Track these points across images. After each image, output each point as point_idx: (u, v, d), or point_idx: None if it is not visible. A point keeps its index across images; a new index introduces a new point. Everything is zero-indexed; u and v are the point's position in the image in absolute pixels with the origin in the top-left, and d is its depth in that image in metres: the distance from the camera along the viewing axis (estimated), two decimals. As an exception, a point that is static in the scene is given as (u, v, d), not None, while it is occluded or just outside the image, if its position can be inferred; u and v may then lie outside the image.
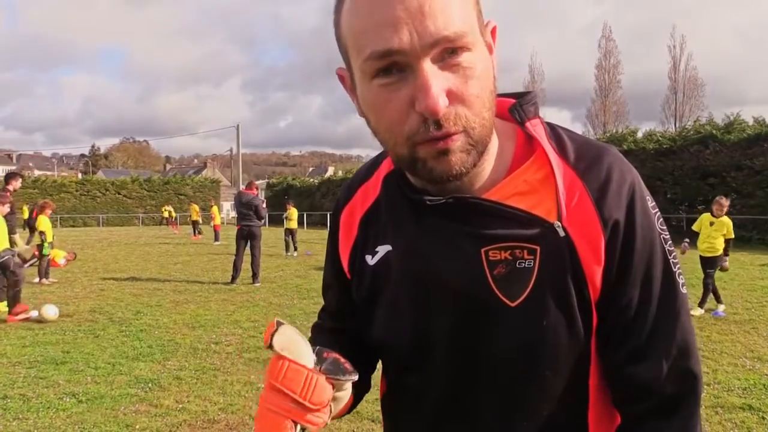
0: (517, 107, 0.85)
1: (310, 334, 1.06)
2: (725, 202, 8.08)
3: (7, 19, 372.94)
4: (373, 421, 4.11)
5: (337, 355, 0.83)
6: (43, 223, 11.53)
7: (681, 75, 46.87)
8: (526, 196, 0.81)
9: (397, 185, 0.90)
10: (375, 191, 0.95)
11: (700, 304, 7.93)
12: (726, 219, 7.94)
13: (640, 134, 26.32)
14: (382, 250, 0.91)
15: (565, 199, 0.80)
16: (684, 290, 0.84)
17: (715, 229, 7.96)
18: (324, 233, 31.97)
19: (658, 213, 0.85)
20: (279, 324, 0.79)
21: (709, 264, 8.05)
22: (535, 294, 0.79)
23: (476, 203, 0.81)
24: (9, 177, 9.20)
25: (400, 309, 0.89)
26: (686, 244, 8.33)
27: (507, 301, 0.80)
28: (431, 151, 0.73)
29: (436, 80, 0.69)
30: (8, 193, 8.83)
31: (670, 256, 0.83)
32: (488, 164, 0.83)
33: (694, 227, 8.31)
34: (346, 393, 0.86)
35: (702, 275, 8.11)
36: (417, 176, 0.81)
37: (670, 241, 0.84)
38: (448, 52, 0.70)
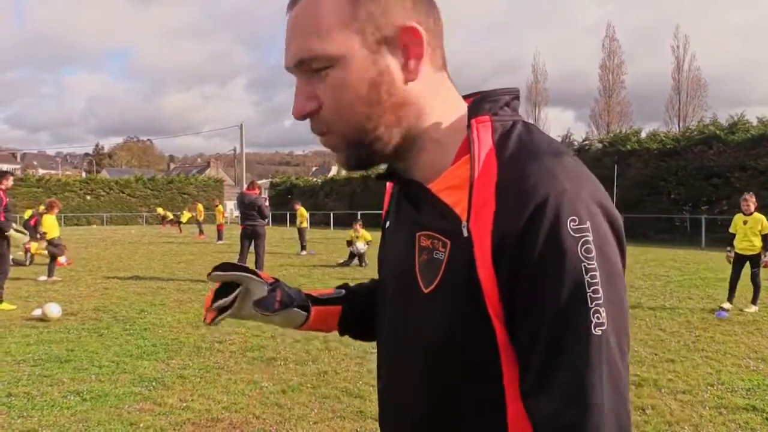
0: (473, 104, 0.88)
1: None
2: (750, 197, 8.37)
3: (13, 19, 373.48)
4: (376, 420, 4.11)
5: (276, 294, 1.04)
6: (47, 222, 11.57)
7: (684, 75, 46.83)
8: (455, 190, 0.83)
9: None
10: None
11: (753, 302, 8.25)
12: (758, 215, 8.18)
13: (643, 134, 26.35)
14: (387, 224, 1.05)
15: (477, 200, 0.79)
16: (597, 331, 0.70)
17: (750, 228, 8.22)
18: (328, 232, 32.01)
19: (586, 239, 0.71)
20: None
21: (752, 262, 8.31)
22: (442, 285, 0.82)
23: (422, 190, 0.87)
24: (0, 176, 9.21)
25: (380, 277, 1.05)
26: (729, 251, 8.57)
27: (423, 287, 0.85)
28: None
29: (302, 88, 0.85)
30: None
31: (588, 288, 0.70)
32: (434, 155, 0.87)
33: (731, 229, 8.59)
34: (294, 316, 1.07)
35: (729, 275, 8.38)
36: None
37: (593, 273, 0.71)
38: (313, 69, 0.83)
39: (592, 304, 0.70)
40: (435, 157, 0.87)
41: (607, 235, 0.74)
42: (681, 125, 41.62)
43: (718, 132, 22.34)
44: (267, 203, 11.95)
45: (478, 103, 0.87)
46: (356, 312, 1.15)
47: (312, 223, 39.03)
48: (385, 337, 0.99)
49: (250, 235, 11.29)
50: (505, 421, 0.79)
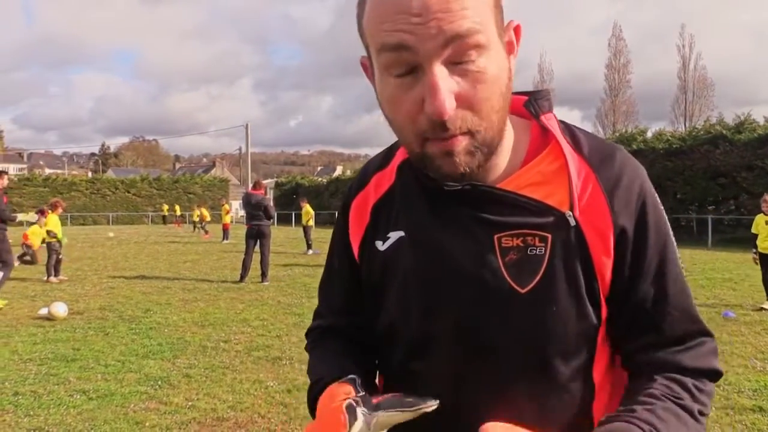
0: (531, 102, 0.88)
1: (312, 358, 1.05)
2: None
3: (22, 20, 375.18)
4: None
5: (386, 397, 0.83)
6: (51, 221, 11.61)
7: (690, 75, 46.72)
8: (540, 186, 0.83)
9: (411, 173, 0.92)
10: (390, 179, 0.97)
11: None
12: None
13: (649, 134, 26.26)
14: (394, 236, 0.92)
15: (578, 191, 0.82)
16: (688, 284, 0.88)
17: None
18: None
19: (663, 208, 0.88)
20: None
21: None
22: (545, 281, 0.80)
23: (491, 192, 0.83)
24: None
25: (411, 294, 0.90)
26: (755, 252, 8.50)
27: (517, 288, 0.81)
28: (438, 150, 0.76)
29: (444, 83, 0.71)
30: None
31: (675, 248, 0.87)
32: (503, 157, 0.85)
33: (753, 230, 8.56)
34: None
35: (761, 276, 8.36)
36: (427, 172, 0.83)
37: (671, 233, 0.88)
38: (459, 53, 0.71)
39: (682, 264, 0.88)
40: (505, 157, 0.86)
41: None
42: (687, 125, 41.46)
43: (724, 132, 22.22)
44: (272, 203, 12.03)
45: (537, 101, 0.89)
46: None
47: (317, 223, 38.96)
48: (451, 351, 0.87)
49: (256, 235, 11.33)
50: (593, 386, 0.86)
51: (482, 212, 0.84)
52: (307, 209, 19.52)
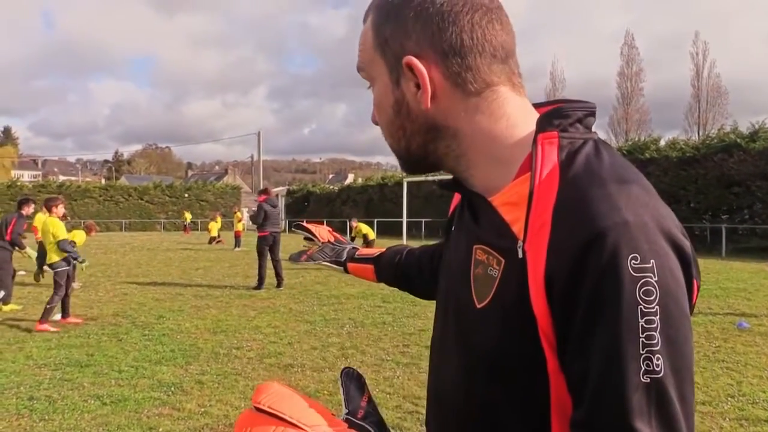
0: (542, 117, 0.84)
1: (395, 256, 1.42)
2: None
3: (42, 29, 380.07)
4: (392, 428, 4.11)
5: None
6: (77, 235, 11.73)
7: (704, 83, 46.48)
8: (514, 207, 0.80)
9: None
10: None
11: None
12: None
13: (662, 142, 26.08)
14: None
15: (535, 221, 0.76)
16: (646, 379, 0.66)
17: None
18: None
19: (647, 279, 0.67)
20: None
21: None
22: (494, 302, 0.80)
23: (482, 202, 0.86)
24: None
25: (439, 293, 1.02)
26: None
27: (476, 301, 0.83)
28: None
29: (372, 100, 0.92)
30: None
31: (642, 334, 0.66)
32: (496, 171, 0.85)
33: None
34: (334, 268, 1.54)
35: None
36: None
37: (651, 317, 0.67)
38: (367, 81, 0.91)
39: (644, 350, 0.66)
40: (494, 172, 0.85)
41: (673, 271, 0.69)
42: (701, 133, 41.21)
43: (738, 140, 22.05)
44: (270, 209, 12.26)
45: (548, 118, 0.82)
46: (387, 271, 1.42)
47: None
48: (437, 338, 0.98)
49: (273, 242, 11.59)
50: None
51: (474, 220, 0.89)
52: (360, 227, 17.49)
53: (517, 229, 0.78)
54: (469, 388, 0.84)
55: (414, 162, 0.94)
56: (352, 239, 16.18)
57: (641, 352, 0.66)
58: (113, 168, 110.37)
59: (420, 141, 0.89)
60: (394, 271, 1.40)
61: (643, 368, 0.66)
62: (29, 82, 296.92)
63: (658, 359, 0.66)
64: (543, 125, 0.82)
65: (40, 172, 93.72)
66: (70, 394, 4.89)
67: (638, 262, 0.67)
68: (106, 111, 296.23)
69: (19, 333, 7.34)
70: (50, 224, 7.93)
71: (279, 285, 11.51)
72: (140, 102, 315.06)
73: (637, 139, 31.11)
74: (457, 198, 1.06)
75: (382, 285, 1.49)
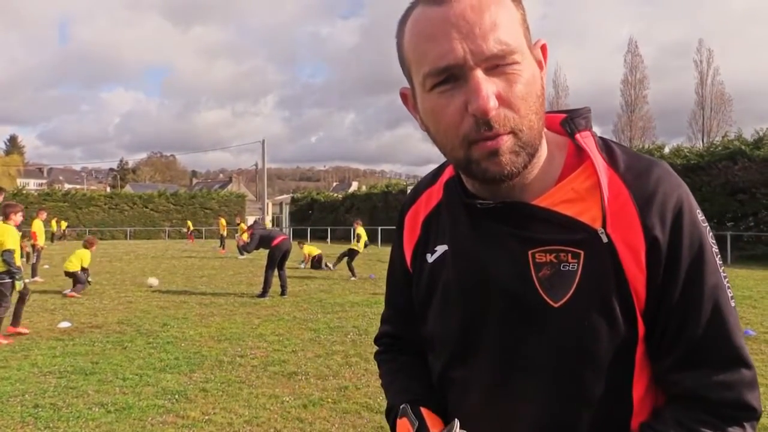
0: (568, 120, 0.91)
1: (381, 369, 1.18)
2: None
3: (56, 39, 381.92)
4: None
5: None
6: (83, 256, 11.85)
7: (708, 90, 46.42)
8: (574, 203, 0.85)
9: (456, 189, 0.97)
10: (438, 195, 1.03)
11: None
12: None
13: (667, 150, 26.07)
14: (440, 249, 0.98)
15: (611, 207, 0.83)
16: (733, 303, 0.85)
17: None
18: (347, 248, 31.97)
19: (708, 227, 0.87)
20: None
21: None
22: (577, 296, 0.83)
23: (526, 208, 0.86)
24: None
25: (452, 305, 0.95)
26: None
27: (550, 302, 0.84)
28: (484, 152, 0.80)
29: (486, 84, 0.77)
30: None
31: (720, 269, 0.85)
32: (538, 174, 0.88)
33: None
34: None
35: None
36: (473, 177, 0.87)
37: (719, 255, 0.86)
38: (497, 61, 0.78)
39: (725, 282, 0.85)
40: (540, 173, 0.88)
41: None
42: (705, 140, 41.18)
43: (743, 147, 22.00)
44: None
45: (574, 119, 0.91)
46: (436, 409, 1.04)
47: (332, 239, 39.09)
48: (488, 361, 0.91)
49: (285, 251, 11.72)
50: (631, 403, 0.86)
51: (518, 228, 0.87)
52: (358, 228, 16.83)
53: (589, 218, 0.84)
54: (561, 384, 0.86)
55: (534, 152, 0.84)
56: (358, 239, 16.64)
57: (725, 283, 0.85)
58: (118, 176, 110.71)
59: (542, 124, 0.85)
60: (437, 405, 1.02)
61: (730, 295, 0.85)
62: (43, 91, 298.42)
63: (729, 289, 0.85)
64: (575, 125, 0.90)
65: (45, 181, 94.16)
66: (75, 402, 4.89)
67: (699, 213, 0.86)
68: (116, 119, 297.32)
69: (24, 341, 7.35)
70: (3, 231, 7.44)
71: (283, 293, 11.52)
72: (151, 111, 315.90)
73: (641, 146, 31.07)
74: (414, 224, 1.04)
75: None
